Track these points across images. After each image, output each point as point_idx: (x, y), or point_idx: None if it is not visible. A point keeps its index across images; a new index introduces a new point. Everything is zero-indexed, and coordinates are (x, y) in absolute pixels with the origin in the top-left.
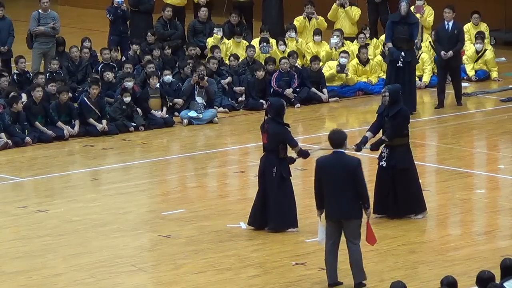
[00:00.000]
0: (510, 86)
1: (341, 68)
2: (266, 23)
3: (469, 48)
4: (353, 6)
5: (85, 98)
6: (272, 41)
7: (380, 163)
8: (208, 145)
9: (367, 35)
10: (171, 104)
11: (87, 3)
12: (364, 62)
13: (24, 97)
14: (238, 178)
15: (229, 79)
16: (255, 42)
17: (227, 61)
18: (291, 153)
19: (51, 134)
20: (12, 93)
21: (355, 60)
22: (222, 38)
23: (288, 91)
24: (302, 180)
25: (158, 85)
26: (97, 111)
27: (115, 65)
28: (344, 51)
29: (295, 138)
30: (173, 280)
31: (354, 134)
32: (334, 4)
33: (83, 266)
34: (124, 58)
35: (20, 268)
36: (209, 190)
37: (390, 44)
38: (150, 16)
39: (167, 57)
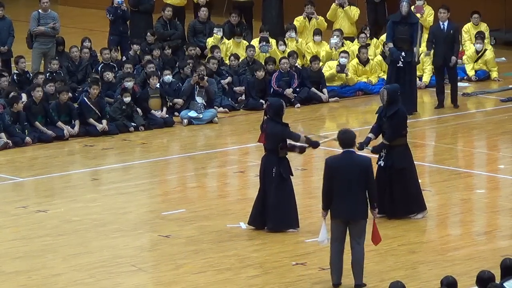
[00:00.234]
0: (510, 86)
1: (341, 68)
2: (266, 23)
3: (469, 48)
4: (352, 6)
5: (85, 98)
6: (272, 41)
7: (379, 163)
8: (208, 145)
9: (368, 35)
10: (171, 104)
11: (87, 3)
12: (364, 62)
13: (24, 97)
14: (238, 178)
15: (229, 79)
16: (255, 42)
17: (227, 61)
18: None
19: (51, 134)
20: (12, 93)
21: (355, 60)
22: (222, 38)
23: (288, 91)
24: (302, 180)
25: (158, 85)
26: (97, 111)
27: (115, 65)
28: (344, 51)
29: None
30: (173, 280)
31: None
32: (333, 3)
33: (83, 266)
34: (124, 58)
35: (20, 268)
36: (209, 190)
37: (390, 44)
38: (150, 16)
39: (167, 57)
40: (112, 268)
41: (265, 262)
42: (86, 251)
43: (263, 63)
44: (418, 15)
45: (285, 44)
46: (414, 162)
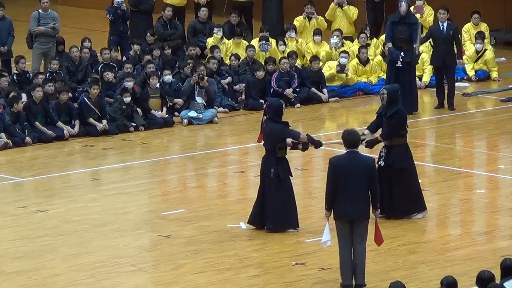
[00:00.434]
0: (510, 86)
1: (341, 68)
2: (266, 23)
3: (469, 48)
4: (350, 6)
5: (85, 98)
6: (272, 41)
7: (379, 163)
8: (208, 145)
9: (368, 35)
10: (171, 104)
11: (87, 3)
12: (364, 62)
13: (24, 97)
14: (238, 178)
15: (229, 79)
16: (255, 42)
17: (227, 61)
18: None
19: (51, 134)
20: (12, 93)
21: (355, 60)
22: (222, 38)
23: (288, 91)
24: (302, 180)
25: (158, 85)
26: (97, 111)
27: (115, 65)
28: (344, 51)
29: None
30: (173, 280)
31: None
32: (332, 3)
33: (83, 266)
34: (124, 58)
35: (20, 268)
36: (209, 190)
37: (390, 44)
38: (150, 16)
39: (167, 57)
40: (112, 268)
41: (265, 262)
42: (86, 251)
43: (263, 63)
44: (418, 15)
45: (285, 44)
46: (414, 162)
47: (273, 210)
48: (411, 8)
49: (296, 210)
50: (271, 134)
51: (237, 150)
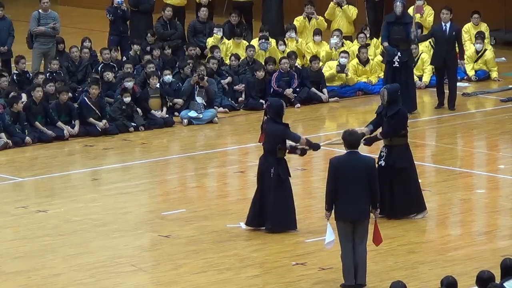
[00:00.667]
0: (510, 86)
1: (341, 68)
2: (266, 23)
3: (469, 48)
4: (350, 5)
5: (85, 98)
6: (272, 41)
7: (379, 163)
8: (208, 145)
9: (368, 35)
10: (171, 104)
11: (87, 3)
12: (364, 62)
13: (24, 97)
14: (238, 178)
15: (229, 79)
16: (255, 42)
17: (227, 61)
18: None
19: (51, 134)
20: (12, 93)
21: (355, 60)
22: (222, 38)
23: (288, 91)
24: (302, 180)
25: (158, 85)
26: (97, 111)
27: (115, 65)
28: (344, 51)
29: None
30: (173, 280)
31: None
32: (331, 2)
33: (83, 266)
34: (124, 58)
35: (20, 268)
36: (209, 190)
37: (386, 43)
38: (150, 16)
39: (167, 57)
40: (112, 268)
41: (265, 262)
42: (86, 251)
43: (263, 63)
44: (418, 15)
45: (285, 44)
46: (414, 162)
47: (273, 210)
48: (411, 8)
49: (295, 211)
50: (272, 135)
51: (237, 150)
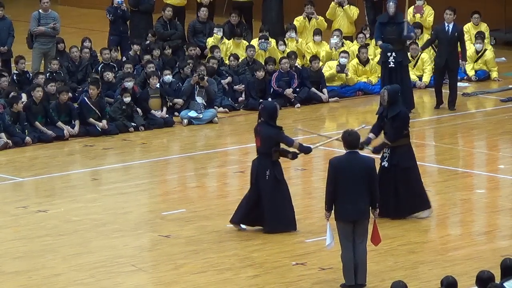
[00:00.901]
0: (510, 86)
1: (341, 68)
2: (266, 23)
3: (469, 48)
4: (351, 6)
5: (85, 98)
6: (272, 41)
7: (382, 164)
8: (208, 145)
9: (367, 35)
10: (171, 104)
11: (87, 3)
12: (364, 62)
13: (24, 97)
14: (238, 178)
15: (229, 79)
16: (255, 42)
17: (227, 61)
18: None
19: (51, 134)
20: (12, 93)
21: (355, 60)
22: (222, 38)
23: (288, 91)
24: (302, 180)
25: (158, 85)
26: (97, 111)
27: (115, 65)
28: (344, 51)
29: (290, 137)
30: (173, 280)
31: None
32: (332, 2)
33: (83, 266)
34: (124, 58)
35: (20, 268)
36: (209, 190)
37: (380, 42)
38: (150, 16)
39: (167, 57)
40: (112, 268)
41: (265, 262)
42: (86, 251)
43: (263, 63)
44: (418, 15)
45: (285, 44)
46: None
47: (271, 212)
48: (411, 8)
49: (293, 212)
50: (267, 138)
51: (237, 150)
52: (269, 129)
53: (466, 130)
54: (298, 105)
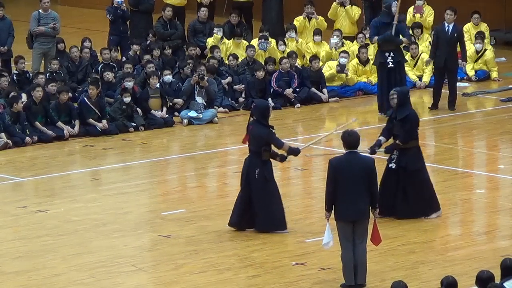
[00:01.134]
0: (510, 86)
1: (341, 68)
2: (266, 23)
3: (469, 48)
4: (353, 6)
5: (85, 98)
6: (272, 41)
7: (390, 165)
8: (208, 145)
9: (367, 35)
10: (171, 104)
11: (87, 3)
12: (364, 62)
13: (24, 97)
14: (238, 178)
15: (229, 79)
16: (255, 42)
17: (227, 61)
18: (279, 151)
19: (51, 134)
20: (12, 93)
21: (355, 60)
22: (222, 38)
23: (288, 91)
24: (302, 180)
25: (158, 85)
26: (97, 111)
27: (115, 65)
28: (344, 51)
29: (281, 139)
30: (173, 280)
31: None
32: (334, 2)
33: (83, 266)
34: (124, 58)
35: (20, 268)
36: (209, 190)
37: (376, 37)
38: (150, 16)
39: (167, 57)
40: (112, 268)
41: (265, 262)
42: (86, 251)
43: (263, 63)
44: (418, 15)
45: (285, 44)
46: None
47: (260, 211)
48: (411, 8)
49: (283, 211)
50: (258, 137)
51: (237, 150)
52: (261, 129)
53: (466, 130)
54: (298, 105)
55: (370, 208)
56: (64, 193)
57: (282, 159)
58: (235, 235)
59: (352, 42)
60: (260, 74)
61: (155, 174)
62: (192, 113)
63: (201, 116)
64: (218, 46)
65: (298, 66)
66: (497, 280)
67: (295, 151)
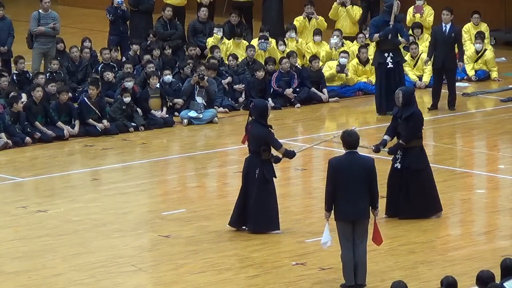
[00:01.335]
0: (510, 86)
1: (341, 68)
2: (266, 23)
3: (469, 48)
4: (354, 6)
5: (85, 98)
6: (272, 41)
7: (395, 165)
8: (208, 145)
9: (367, 35)
10: (171, 104)
11: (87, 3)
12: (364, 62)
13: (24, 97)
14: (238, 178)
15: (229, 79)
16: (255, 42)
17: (227, 61)
18: (276, 152)
19: (51, 134)
20: (12, 93)
21: (355, 60)
22: (222, 38)
23: (288, 91)
24: (302, 180)
25: (158, 85)
26: (97, 111)
27: (115, 65)
28: (344, 51)
29: (280, 140)
30: (173, 280)
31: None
32: (335, 2)
33: (83, 266)
34: (124, 58)
35: (20, 268)
36: (209, 190)
37: (376, 34)
38: (150, 16)
39: (167, 57)
40: (112, 268)
41: (265, 262)
42: (86, 251)
43: (263, 63)
44: (418, 15)
45: (285, 44)
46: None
47: (256, 211)
48: (411, 8)
49: (277, 212)
50: (257, 137)
51: (237, 150)
52: (259, 129)
53: (466, 130)
54: (298, 105)
55: (370, 208)
56: (64, 193)
57: (276, 160)
58: (235, 235)
59: (353, 42)
60: (260, 74)
61: (155, 174)
62: (192, 113)
63: (201, 116)
64: (218, 46)
65: (298, 66)
66: (497, 280)
67: (290, 154)
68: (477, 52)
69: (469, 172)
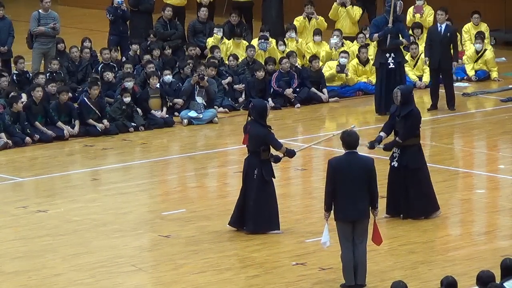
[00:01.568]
0: (510, 86)
1: (341, 68)
2: (266, 23)
3: (469, 48)
4: (354, 6)
5: (85, 98)
6: (272, 41)
7: (392, 164)
8: (208, 145)
9: (367, 35)
10: (171, 104)
11: (87, 3)
12: (364, 62)
13: (24, 97)
14: (238, 178)
15: (229, 79)
16: (255, 42)
17: (227, 61)
18: (276, 152)
19: (51, 134)
20: (12, 93)
21: (355, 60)
22: (222, 38)
23: (288, 91)
24: (302, 180)
25: (158, 85)
26: (97, 111)
27: (115, 65)
28: (344, 51)
29: (279, 140)
30: (173, 280)
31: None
32: (335, 3)
33: (83, 266)
34: (124, 58)
35: (20, 268)
36: (209, 190)
37: (376, 34)
38: (150, 16)
39: (167, 57)
40: (112, 268)
41: (265, 262)
42: (86, 251)
43: (263, 63)
44: (418, 15)
45: (285, 44)
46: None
47: (255, 211)
48: (411, 8)
49: (277, 212)
50: (256, 137)
51: (237, 150)
52: (259, 129)
53: (466, 130)
54: (298, 105)
55: (370, 208)
56: (64, 193)
57: (276, 160)
58: (235, 235)
59: (353, 42)
60: (260, 74)
61: (155, 174)
62: (192, 113)
63: (201, 116)
64: (218, 46)
65: (298, 66)
66: (497, 280)
67: (291, 153)
68: (477, 52)
69: (469, 172)
